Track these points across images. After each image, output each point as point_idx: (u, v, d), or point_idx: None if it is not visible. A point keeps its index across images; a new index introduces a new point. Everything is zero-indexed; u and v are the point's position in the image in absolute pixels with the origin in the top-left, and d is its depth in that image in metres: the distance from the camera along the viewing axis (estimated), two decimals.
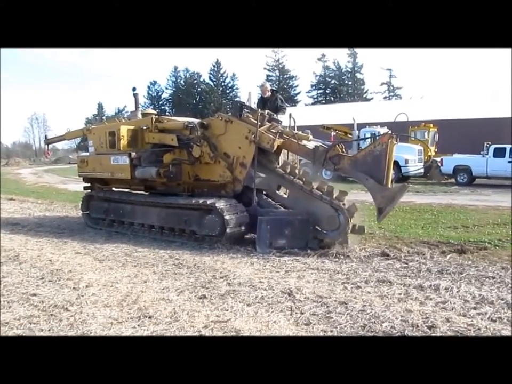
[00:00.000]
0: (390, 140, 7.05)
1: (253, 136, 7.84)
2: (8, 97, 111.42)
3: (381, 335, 4.08)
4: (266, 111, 8.37)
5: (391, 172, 7.22)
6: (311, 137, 8.23)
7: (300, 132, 8.25)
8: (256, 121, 7.84)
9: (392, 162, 7.23)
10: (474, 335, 4.03)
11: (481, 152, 20.55)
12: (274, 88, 10.66)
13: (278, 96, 9.68)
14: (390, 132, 7.34)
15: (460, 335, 4.04)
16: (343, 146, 7.93)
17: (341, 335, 4.12)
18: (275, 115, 8.55)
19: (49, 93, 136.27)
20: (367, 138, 18.39)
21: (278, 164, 8.37)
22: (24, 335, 4.17)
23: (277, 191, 8.43)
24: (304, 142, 8.11)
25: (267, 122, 8.16)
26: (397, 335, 4.07)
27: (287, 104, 10.11)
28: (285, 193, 8.49)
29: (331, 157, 7.63)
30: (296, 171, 8.04)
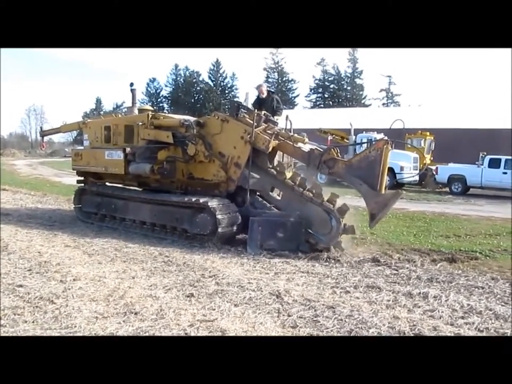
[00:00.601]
0: (385, 146, 7.04)
1: (249, 136, 7.81)
2: (6, 88, 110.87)
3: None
4: (263, 112, 8.34)
5: (385, 178, 7.22)
6: (306, 140, 8.21)
7: (296, 135, 8.23)
8: (252, 122, 7.82)
9: (387, 168, 7.23)
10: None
11: (477, 162, 20.58)
12: (271, 90, 10.61)
13: (275, 97, 9.66)
14: (385, 138, 7.33)
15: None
16: (338, 151, 7.90)
17: (327, 335, 4.11)
18: (271, 116, 8.53)
19: (48, 85, 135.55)
20: (363, 143, 18.41)
21: (273, 165, 8.33)
22: (7, 326, 4.13)
23: (271, 193, 8.40)
24: (299, 144, 8.10)
25: (263, 123, 8.14)
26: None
27: (284, 106, 10.08)
28: (279, 195, 8.47)
29: (326, 160, 7.61)
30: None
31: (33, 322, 4.25)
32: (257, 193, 8.41)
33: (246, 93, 11.33)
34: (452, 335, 4.19)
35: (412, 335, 4.18)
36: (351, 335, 4.18)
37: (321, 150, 7.87)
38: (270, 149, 7.85)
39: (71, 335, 3.98)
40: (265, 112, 8.44)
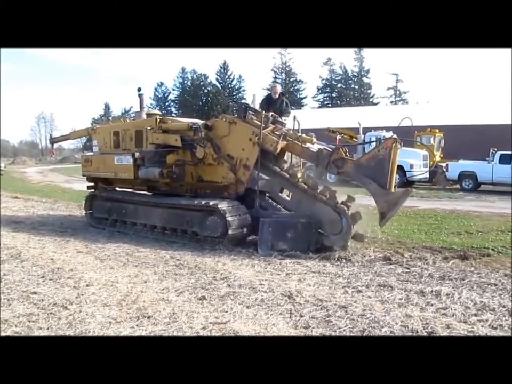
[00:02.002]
0: (393, 144, 7.02)
1: (257, 138, 7.82)
2: (16, 96, 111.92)
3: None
4: (271, 113, 8.35)
5: (395, 176, 7.20)
6: (315, 140, 8.21)
7: (304, 135, 8.23)
8: (260, 123, 7.83)
9: (396, 166, 7.20)
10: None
11: (487, 159, 20.43)
12: (282, 91, 10.63)
13: (284, 99, 9.68)
14: (394, 136, 7.30)
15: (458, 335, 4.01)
16: (347, 150, 7.88)
17: (338, 335, 4.10)
18: (279, 117, 8.54)
19: (57, 93, 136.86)
20: (372, 142, 18.34)
21: (282, 166, 8.33)
22: (23, 333, 4.17)
23: (280, 194, 8.41)
24: (308, 144, 8.10)
25: (271, 124, 8.15)
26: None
27: (292, 107, 10.10)
28: (288, 196, 8.47)
29: (334, 160, 7.59)
30: (299, 175, 7.98)
31: (47, 328, 4.28)
32: (267, 194, 8.42)
33: (253, 95, 11.37)
34: (466, 333, 4.16)
35: (425, 333, 4.16)
36: (364, 334, 4.17)
37: (330, 150, 7.86)
38: (278, 150, 7.86)
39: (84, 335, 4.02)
40: (272, 113, 8.45)
